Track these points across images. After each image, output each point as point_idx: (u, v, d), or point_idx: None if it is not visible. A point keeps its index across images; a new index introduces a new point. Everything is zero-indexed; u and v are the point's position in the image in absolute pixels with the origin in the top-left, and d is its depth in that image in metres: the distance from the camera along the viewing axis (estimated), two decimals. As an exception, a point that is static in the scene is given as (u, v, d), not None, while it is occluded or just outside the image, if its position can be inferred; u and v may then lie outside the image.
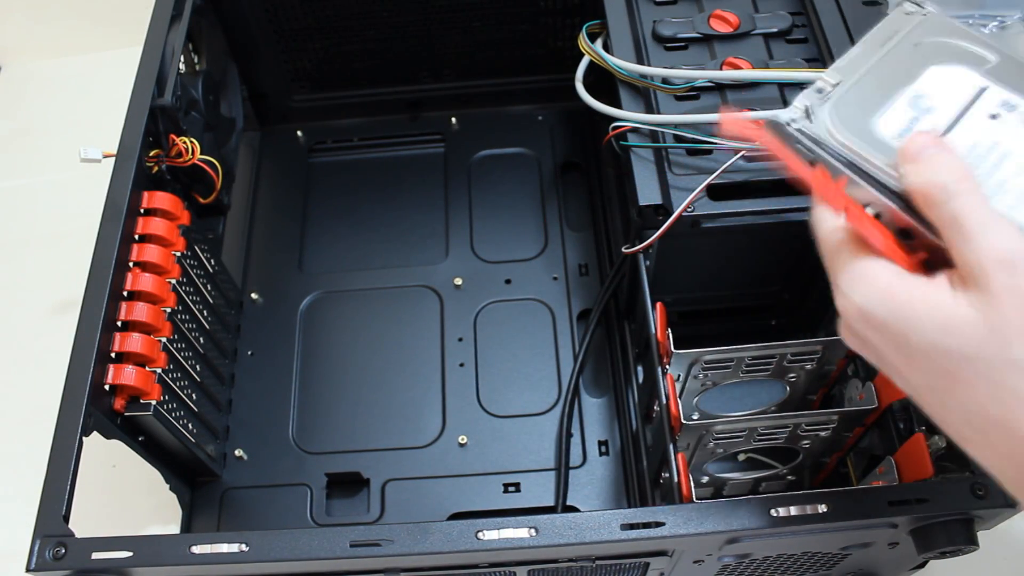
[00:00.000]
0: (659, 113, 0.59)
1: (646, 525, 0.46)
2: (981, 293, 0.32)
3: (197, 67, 0.74)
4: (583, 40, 0.65)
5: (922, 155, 0.35)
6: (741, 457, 0.62)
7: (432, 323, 0.78)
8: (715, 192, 0.56)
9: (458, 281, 0.80)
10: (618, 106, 0.61)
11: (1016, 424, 0.31)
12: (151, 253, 0.60)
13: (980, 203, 0.33)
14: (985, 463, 0.34)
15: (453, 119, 0.89)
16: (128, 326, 0.58)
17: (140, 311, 0.58)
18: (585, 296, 0.78)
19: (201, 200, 0.71)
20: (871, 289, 0.35)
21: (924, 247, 0.35)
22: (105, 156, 0.63)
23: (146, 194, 0.61)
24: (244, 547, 0.46)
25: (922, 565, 0.57)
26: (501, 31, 0.83)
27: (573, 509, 0.68)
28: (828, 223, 0.38)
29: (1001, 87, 0.36)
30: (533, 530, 0.46)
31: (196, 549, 0.46)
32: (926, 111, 0.36)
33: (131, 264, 0.59)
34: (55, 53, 1.05)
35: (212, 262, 0.71)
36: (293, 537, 0.46)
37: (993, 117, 0.35)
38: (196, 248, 0.67)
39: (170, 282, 0.62)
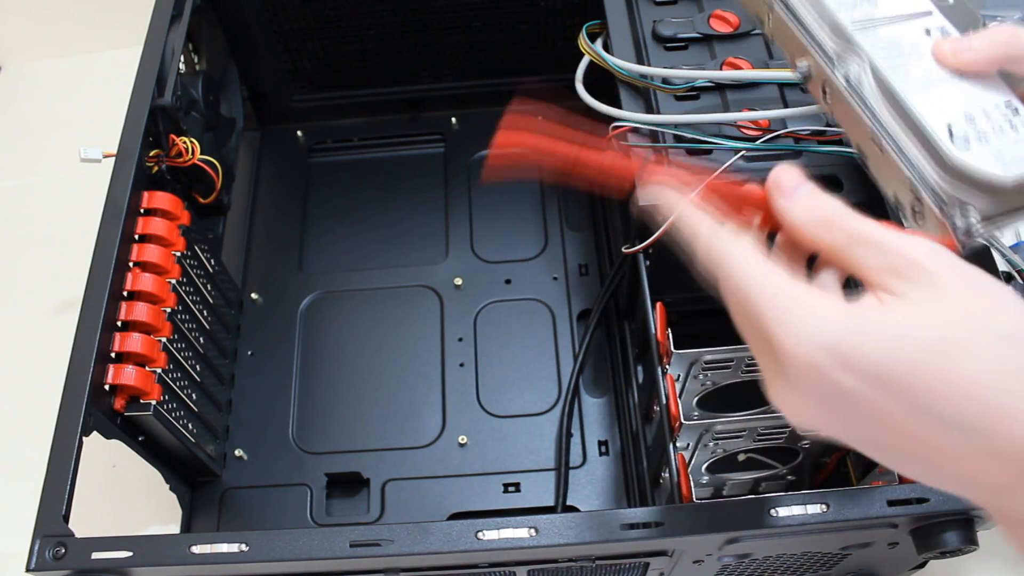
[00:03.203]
0: (659, 113, 0.59)
1: (646, 525, 0.46)
2: (924, 289, 0.30)
3: (197, 67, 0.74)
4: (583, 40, 0.65)
5: (798, 192, 0.34)
6: (741, 457, 0.62)
7: (432, 323, 0.78)
8: (715, 192, 0.56)
9: (458, 281, 0.80)
10: (618, 106, 0.61)
11: (1016, 408, 0.29)
12: (151, 253, 0.60)
13: (871, 220, 0.33)
14: (959, 473, 0.31)
15: (453, 119, 0.89)
16: (128, 326, 0.58)
17: (140, 311, 0.58)
18: (585, 296, 0.78)
19: (201, 200, 0.71)
20: (834, 320, 0.31)
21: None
22: (105, 156, 0.63)
23: (146, 194, 0.61)
24: (244, 547, 0.46)
25: (922, 565, 0.57)
26: (501, 31, 0.83)
27: (573, 509, 0.68)
28: (731, 247, 0.34)
29: (943, 18, 0.39)
30: (533, 530, 0.46)
31: (196, 549, 0.46)
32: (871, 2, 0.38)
33: (131, 264, 0.59)
34: (55, 53, 1.05)
35: (212, 262, 0.71)
36: (293, 537, 0.46)
37: (927, 32, 0.38)
38: (196, 248, 0.67)
39: (170, 282, 0.62)
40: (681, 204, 0.37)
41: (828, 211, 0.34)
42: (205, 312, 0.69)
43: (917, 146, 0.35)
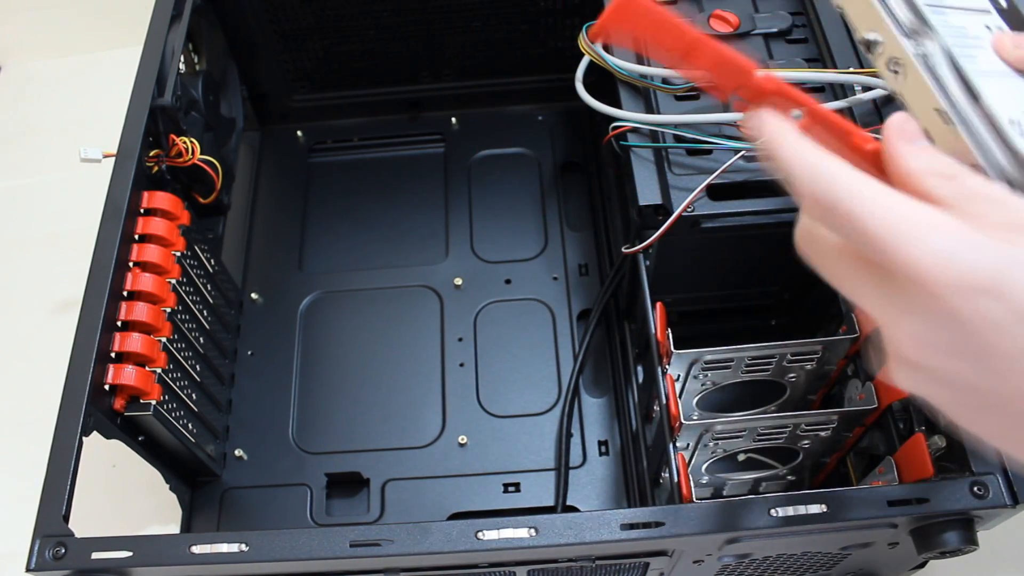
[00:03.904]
0: (659, 113, 0.59)
1: (646, 525, 0.46)
2: None
3: (197, 67, 0.74)
4: (583, 40, 0.65)
5: (921, 141, 0.33)
6: (741, 457, 0.62)
7: (432, 323, 0.78)
8: (715, 192, 0.56)
9: (458, 281, 0.80)
10: (618, 106, 0.61)
11: None
12: (151, 253, 0.60)
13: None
14: None
15: (453, 119, 0.89)
16: (128, 326, 0.58)
17: (140, 311, 0.58)
18: (585, 296, 0.78)
19: (201, 200, 0.71)
20: (986, 247, 0.28)
21: None
22: (105, 156, 0.63)
23: (146, 194, 0.61)
24: (244, 547, 0.46)
25: (922, 565, 0.57)
26: (501, 31, 0.83)
27: (573, 509, 0.68)
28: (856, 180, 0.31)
29: (1000, 19, 0.40)
30: (533, 530, 0.46)
31: (196, 549, 0.46)
32: None
33: (131, 264, 0.59)
34: (55, 53, 1.05)
35: (212, 262, 0.71)
36: (293, 537, 0.46)
37: (987, 28, 0.39)
38: (196, 248, 0.67)
39: (170, 282, 0.62)
40: (786, 130, 0.34)
41: (949, 163, 0.32)
42: (205, 312, 0.69)
43: (987, 129, 0.36)
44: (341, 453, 0.72)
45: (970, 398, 0.31)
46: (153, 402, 0.57)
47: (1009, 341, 0.29)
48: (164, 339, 0.60)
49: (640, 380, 0.68)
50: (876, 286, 0.31)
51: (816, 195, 0.32)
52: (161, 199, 0.62)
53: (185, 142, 0.65)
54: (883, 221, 0.30)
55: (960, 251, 0.29)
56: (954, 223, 0.30)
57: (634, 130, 0.59)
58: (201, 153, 0.66)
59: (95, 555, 0.46)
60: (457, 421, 0.72)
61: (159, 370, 0.59)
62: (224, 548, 0.46)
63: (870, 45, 0.40)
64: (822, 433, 0.56)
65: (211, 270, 0.70)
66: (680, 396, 0.58)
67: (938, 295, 0.29)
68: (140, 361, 0.58)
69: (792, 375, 0.59)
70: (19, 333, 0.84)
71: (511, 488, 0.69)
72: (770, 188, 0.57)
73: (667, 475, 0.54)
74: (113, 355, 0.56)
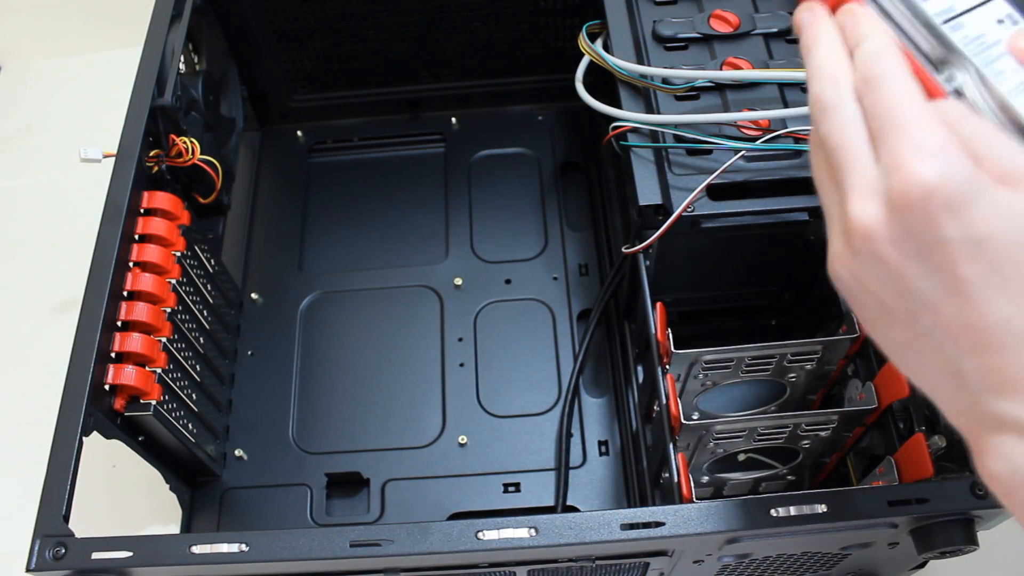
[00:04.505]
0: (659, 113, 0.59)
1: (646, 525, 0.46)
2: None
3: (197, 67, 0.74)
4: (583, 40, 0.65)
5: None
6: (741, 457, 0.62)
7: (432, 323, 0.78)
8: (715, 192, 0.56)
9: (458, 281, 0.80)
10: (618, 106, 0.61)
11: None
12: (151, 253, 0.60)
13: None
14: (979, 368, 0.30)
15: (453, 119, 0.89)
16: (128, 326, 0.58)
17: (140, 311, 0.58)
18: (585, 296, 0.78)
19: (201, 200, 0.71)
20: (968, 167, 0.30)
21: None
22: (105, 156, 0.63)
23: (146, 194, 0.61)
24: (244, 547, 0.46)
25: (922, 565, 0.57)
26: (501, 31, 0.83)
27: (573, 509, 0.68)
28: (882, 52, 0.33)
29: (1007, 3, 0.38)
30: (533, 530, 0.46)
31: (196, 549, 0.46)
32: None
33: (131, 264, 0.59)
34: (55, 53, 1.05)
35: (212, 262, 0.71)
36: (293, 537, 0.47)
37: (999, 22, 0.38)
38: (196, 248, 0.67)
39: (170, 282, 0.62)
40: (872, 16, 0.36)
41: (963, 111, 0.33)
42: (205, 312, 0.69)
43: None
44: (341, 453, 0.72)
45: (896, 304, 0.32)
46: (153, 402, 0.57)
47: (948, 259, 0.30)
48: (164, 339, 0.60)
49: (640, 380, 0.68)
50: (869, 159, 0.32)
51: (875, 69, 0.33)
52: (161, 199, 0.62)
53: (185, 142, 0.65)
54: (907, 108, 0.32)
55: (945, 160, 0.30)
56: (958, 144, 0.31)
57: (634, 130, 0.59)
58: (201, 153, 0.66)
59: (95, 555, 0.46)
60: (457, 421, 0.72)
61: (159, 370, 0.59)
62: (224, 548, 0.46)
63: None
64: (822, 433, 0.56)
65: (211, 270, 0.70)
66: (680, 396, 0.58)
67: (910, 187, 0.30)
68: (140, 361, 0.58)
69: (792, 375, 0.59)
70: (19, 333, 0.84)
71: (511, 488, 0.69)
72: (770, 188, 0.57)
73: (667, 475, 0.54)
74: (113, 355, 0.56)
